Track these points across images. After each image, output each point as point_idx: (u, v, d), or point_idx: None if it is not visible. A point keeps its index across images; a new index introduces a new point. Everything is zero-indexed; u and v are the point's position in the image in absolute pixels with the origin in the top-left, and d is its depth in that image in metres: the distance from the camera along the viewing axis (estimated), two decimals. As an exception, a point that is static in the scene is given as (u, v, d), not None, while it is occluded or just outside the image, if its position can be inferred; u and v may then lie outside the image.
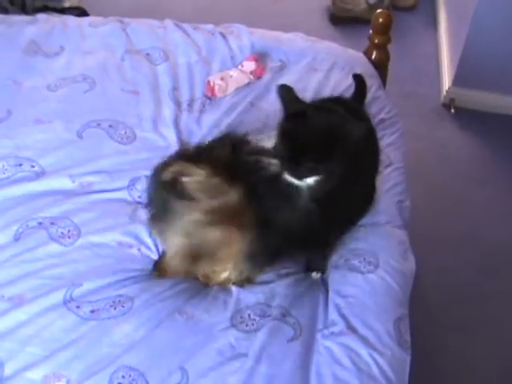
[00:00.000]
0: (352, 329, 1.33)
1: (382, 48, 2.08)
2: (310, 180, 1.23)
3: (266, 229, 1.32)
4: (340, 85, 1.93)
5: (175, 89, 1.88)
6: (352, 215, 1.49)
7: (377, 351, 1.30)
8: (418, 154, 2.56)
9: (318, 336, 1.33)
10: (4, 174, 1.59)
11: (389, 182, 1.67)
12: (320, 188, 1.25)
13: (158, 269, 1.44)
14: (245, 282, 1.40)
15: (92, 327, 1.31)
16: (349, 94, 1.82)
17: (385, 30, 2.03)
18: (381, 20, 2.01)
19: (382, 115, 1.87)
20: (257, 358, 1.27)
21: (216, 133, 1.73)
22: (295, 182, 1.23)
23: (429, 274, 2.08)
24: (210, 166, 1.35)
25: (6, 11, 2.70)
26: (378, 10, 2.06)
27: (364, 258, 1.46)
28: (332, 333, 1.33)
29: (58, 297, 1.35)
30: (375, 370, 1.27)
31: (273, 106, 1.79)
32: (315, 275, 1.47)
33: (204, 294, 1.39)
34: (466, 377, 1.95)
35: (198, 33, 2.10)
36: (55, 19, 2.16)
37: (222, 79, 1.89)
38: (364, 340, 1.31)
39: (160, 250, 1.47)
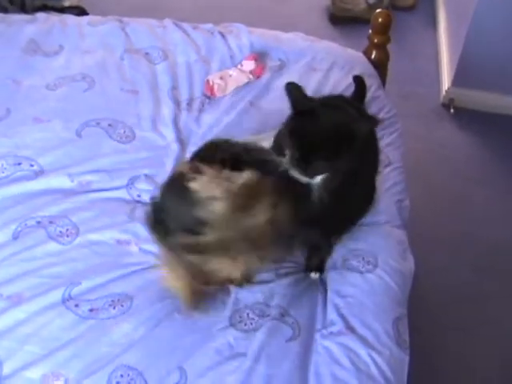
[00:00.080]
0: (351, 329, 1.33)
1: (382, 48, 2.08)
2: (318, 178, 1.23)
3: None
4: (339, 84, 1.93)
5: (174, 88, 1.88)
6: (352, 215, 1.49)
7: (375, 351, 1.29)
8: (418, 154, 2.56)
9: (317, 336, 1.33)
10: (3, 172, 1.59)
11: (388, 181, 1.67)
12: (326, 185, 1.24)
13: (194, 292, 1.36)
14: (244, 281, 1.40)
15: (91, 326, 1.31)
16: (348, 93, 1.82)
17: (384, 30, 2.03)
18: (380, 20, 2.01)
19: (381, 115, 1.87)
20: (255, 358, 1.27)
21: (215, 132, 1.74)
22: (304, 179, 1.23)
23: (428, 274, 2.08)
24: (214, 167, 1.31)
25: (5, 10, 2.69)
26: (378, 10, 2.06)
27: (363, 258, 1.46)
28: (331, 333, 1.33)
29: (56, 295, 1.35)
30: (374, 370, 1.27)
31: (272, 106, 1.80)
32: (314, 275, 1.47)
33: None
34: (465, 376, 1.95)
35: (197, 32, 2.10)
36: (54, 18, 2.16)
37: (221, 78, 1.89)
38: (363, 340, 1.31)
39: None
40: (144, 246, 1.46)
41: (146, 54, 1.98)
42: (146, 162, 1.65)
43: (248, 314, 1.35)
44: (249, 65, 1.94)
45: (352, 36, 2.87)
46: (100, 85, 1.85)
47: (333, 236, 1.46)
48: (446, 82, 2.97)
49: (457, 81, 2.87)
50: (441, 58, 3.14)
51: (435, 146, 2.73)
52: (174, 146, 1.69)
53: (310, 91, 1.84)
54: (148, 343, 1.28)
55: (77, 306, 1.33)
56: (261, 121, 1.75)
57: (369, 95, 1.86)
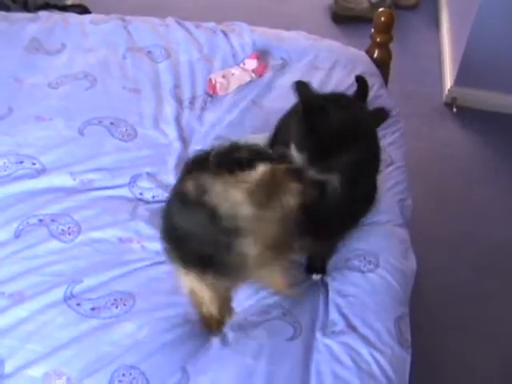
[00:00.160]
0: (352, 328, 1.33)
1: (384, 47, 2.08)
2: (334, 175, 1.21)
3: None
4: (342, 83, 1.92)
5: (177, 87, 1.88)
6: (354, 214, 1.48)
7: (377, 350, 1.29)
8: (420, 153, 2.55)
9: (318, 335, 1.33)
10: (5, 171, 1.59)
11: (390, 180, 1.67)
12: (340, 182, 1.23)
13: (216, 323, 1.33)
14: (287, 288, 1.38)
15: (93, 325, 1.30)
16: (350, 92, 1.82)
17: (387, 29, 2.03)
18: (383, 19, 2.00)
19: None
20: (256, 357, 1.26)
21: (218, 130, 1.74)
22: (322, 177, 1.21)
23: (429, 273, 2.08)
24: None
25: (7, 9, 2.70)
26: (380, 9, 2.06)
27: (364, 257, 1.46)
28: (332, 331, 1.33)
29: (58, 294, 1.35)
30: (375, 369, 1.27)
31: (274, 104, 1.79)
32: (315, 277, 1.46)
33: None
34: (465, 376, 1.95)
35: (199, 31, 2.10)
36: (57, 17, 2.16)
37: (223, 77, 1.89)
38: (364, 339, 1.31)
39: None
40: (146, 243, 1.46)
41: (149, 52, 1.98)
42: (148, 160, 1.65)
43: (249, 314, 1.35)
44: (251, 63, 1.94)
45: (354, 35, 2.86)
46: (102, 83, 1.85)
47: (335, 236, 1.46)
48: (448, 81, 2.96)
49: (459, 80, 2.87)
50: (443, 57, 3.13)
51: (438, 145, 2.72)
52: (176, 144, 1.69)
53: (312, 90, 1.86)
54: (150, 343, 1.28)
55: (78, 304, 1.33)
56: (263, 119, 1.75)
57: (371, 94, 1.86)
